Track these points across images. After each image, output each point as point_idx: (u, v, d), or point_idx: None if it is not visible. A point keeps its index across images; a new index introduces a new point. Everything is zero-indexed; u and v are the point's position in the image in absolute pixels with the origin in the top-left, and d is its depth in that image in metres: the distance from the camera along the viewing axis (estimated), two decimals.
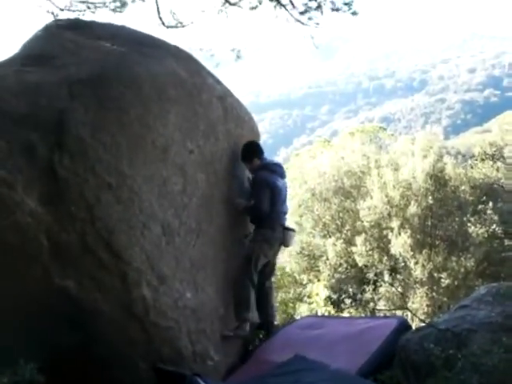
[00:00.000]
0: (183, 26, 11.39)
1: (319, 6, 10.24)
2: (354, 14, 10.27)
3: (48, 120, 4.93)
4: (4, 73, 5.42)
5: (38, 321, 4.90)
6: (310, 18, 10.36)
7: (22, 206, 4.58)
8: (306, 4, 10.37)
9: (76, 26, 6.75)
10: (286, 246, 7.39)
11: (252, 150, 7.09)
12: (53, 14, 10.12)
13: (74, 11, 10.45)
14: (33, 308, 4.86)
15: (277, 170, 7.07)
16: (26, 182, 4.63)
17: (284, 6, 10.52)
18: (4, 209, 4.50)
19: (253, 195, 6.93)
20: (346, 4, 10.18)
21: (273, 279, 7.81)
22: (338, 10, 10.21)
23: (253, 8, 10.88)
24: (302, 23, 10.48)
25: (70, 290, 4.93)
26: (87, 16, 10.30)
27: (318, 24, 10.41)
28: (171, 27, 11.33)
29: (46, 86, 5.22)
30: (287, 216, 7.47)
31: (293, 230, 7.31)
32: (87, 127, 5.03)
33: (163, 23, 11.26)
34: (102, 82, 5.37)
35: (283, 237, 7.02)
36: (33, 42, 6.48)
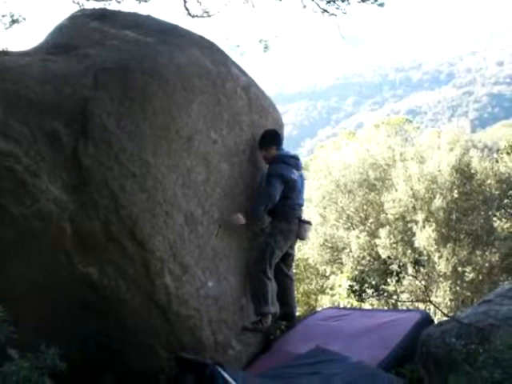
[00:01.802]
0: (209, 16, 11.38)
1: None
2: (381, 5, 10.16)
3: (73, 109, 4.97)
4: (30, 61, 5.46)
5: (60, 307, 4.96)
6: (337, 8, 10.26)
7: (47, 194, 4.63)
8: None
9: (101, 15, 6.77)
10: (302, 238, 7.30)
11: (271, 138, 6.88)
12: (78, 4, 10.18)
13: (99, 1, 10.49)
14: (56, 294, 4.91)
15: (291, 163, 6.88)
16: (50, 169, 4.67)
17: None
18: (28, 196, 4.55)
19: (265, 185, 6.75)
20: None
21: (295, 271, 7.77)
22: (364, 0, 10.11)
23: None
24: (329, 13, 10.40)
25: (93, 278, 4.98)
26: (113, 6, 10.32)
27: (345, 13, 10.30)
28: (197, 17, 11.32)
29: (71, 75, 5.25)
30: (304, 208, 7.35)
31: (309, 223, 7.22)
32: (112, 116, 5.06)
33: (189, 13, 11.25)
34: (127, 71, 5.38)
35: (299, 229, 6.95)
36: (58, 31, 6.52)
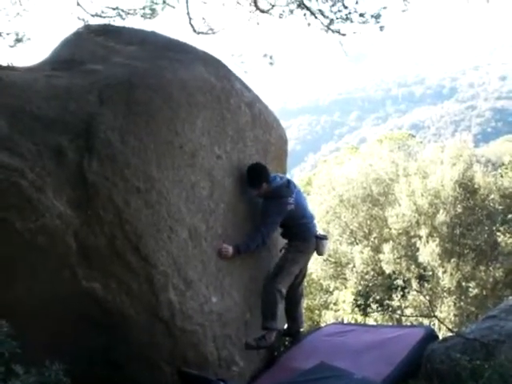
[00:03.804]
0: (214, 33, 11.43)
1: (347, 18, 10.23)
2: (381, 28, 10.23)
3: (77, 124, 4.98)
4: (34, 77, 5.48)
5: (64, 322, 4.95)
6: (337, 31, 10.38)
7: (52, 209, 4.62)
8: (335, 13, 10.36)
9: (106, 31, 6.82)
10: (321, 254, 7.32)
11: (259, 176, 6.53)
12: (83, 20, 10.25)
13: (104, 17, 10.55)
14: (60, 309, 4.90)
15: (285, 194, 6.63)
16: (55, 185, 4.68)
17: (314, 14, 10.51)
18: (33, 211, 4.55)
19: (262, 220, 6.57)
20: (373, 17, 10.13)
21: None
22: (365, 22, 10.17)
23: (281, 16, 10.90)
24: (332, 31, 10.48)
25: (97, 293, 4.97)
26: (117, 23, 10.38)
27: (344, 35, 10.41)
28: (202, 33, 11.37)
29: (76, 91, 5.28)
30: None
31: (325, 238, 7.19)
32: (116, 132, 5.07)
33: (194, 30, 11.30)
34: (131, 87, 5.40)
35: (316, 246, 6.93)
36: (63, 47, 6.56)
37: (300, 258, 6.84)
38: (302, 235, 6.79)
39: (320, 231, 7.63)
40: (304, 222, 6.83)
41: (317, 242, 6.90)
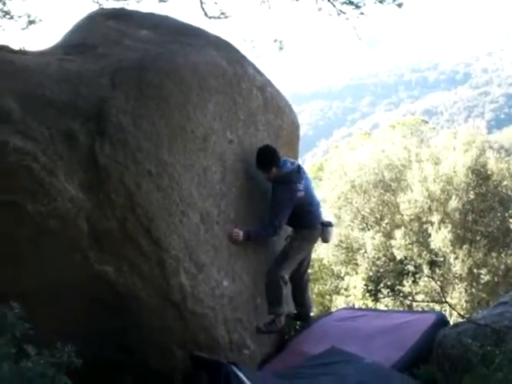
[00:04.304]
0: (226, 17, 11.37)
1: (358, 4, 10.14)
2: (400, 5, 10.11)
3: (89, 108, 4.99)
4: (47, 61, 5.49)
5: (76, 305, 4.97)
6: (353, 9, 10.25)
7: (63, 193, 4.64)
8: None
9: (119, 15, 6.81)
10: (326, 241, 7.31)
11: (269, 160, 6.43)
12: (98, 3, 10.21)
13: (118, 1, 10.52)
14: (72, 292, 4.92)
15: (295, 179, 6.53)
16: (66, 168, 4.69)
17: None
18: (45, 195, 4.57)
19: (273, 208, 6.48)
20: None
21: (310, 271, 7.71)
22: (382, 1, 10.07)
23: None
24: (345, 13, 10.39)
25: (109, 276, 4.99)
26: (131, 6, 10.34)
27: (362, 14, 10.25)
28: (214, 18, 11.32)
29: (88, 75, 5.28)
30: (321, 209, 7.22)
31: (331, 225, 7.15)
32: (128, 115, 5.07)
33: (206, 14, 11.25)
34: (143, 70, 5.41)
35: (322, 233, 6.91)
36: (76, 31, 6.56)
37: (306, 246, 6.84)
38: (308, 223, 6.74)
39: (326, 218, 7.60)
40: (311, 209, 6.77)
41: (323, 230, 6.86)
